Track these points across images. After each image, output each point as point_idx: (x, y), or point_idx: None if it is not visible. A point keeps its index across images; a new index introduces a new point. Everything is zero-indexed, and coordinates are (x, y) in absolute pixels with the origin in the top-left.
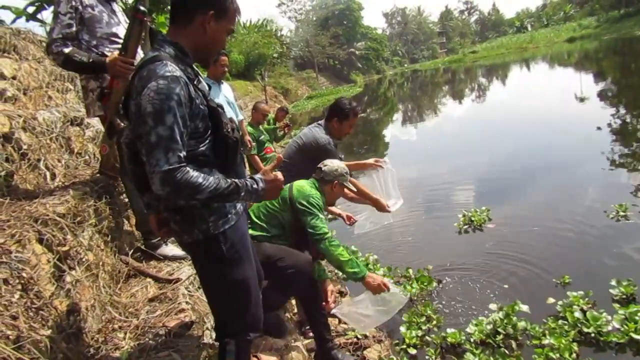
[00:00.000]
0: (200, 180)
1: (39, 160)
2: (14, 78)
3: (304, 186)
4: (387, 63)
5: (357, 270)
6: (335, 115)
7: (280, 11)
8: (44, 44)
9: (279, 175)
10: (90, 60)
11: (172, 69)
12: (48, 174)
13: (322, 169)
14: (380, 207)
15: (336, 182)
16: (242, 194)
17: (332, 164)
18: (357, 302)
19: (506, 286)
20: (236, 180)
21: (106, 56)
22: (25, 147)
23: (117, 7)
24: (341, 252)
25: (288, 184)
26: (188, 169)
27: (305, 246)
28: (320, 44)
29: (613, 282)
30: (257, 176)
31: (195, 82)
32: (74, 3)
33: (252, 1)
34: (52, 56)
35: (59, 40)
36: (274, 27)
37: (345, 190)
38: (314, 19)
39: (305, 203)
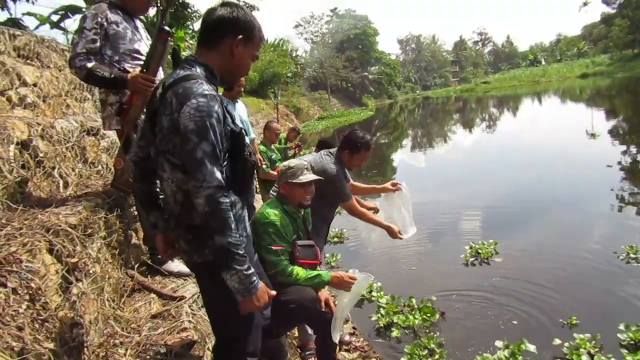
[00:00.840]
0: (232, 225)
1: (53, 168)
2: (35, 85)
3: (266, 211)
4: (399, 88)
5: (319, 281)
6: (347, 147)
7: (296, 32)
8: (66, 53)
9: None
10: (112, 75)
11: (208, 87)
12: (61, 182)
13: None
14: (392, 234)
15: (282, 182)
16: (241, 274)
17: (286, 164)
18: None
19: (515, 322)
20: (250, 264)
21: (128, 72)
22: (41, 155)
23: (140, 24)
24: (296, 275)
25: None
26: (228, 200)
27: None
28: (335, 66)
29: (622, 327)
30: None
31: (224, 103)
32: (99, 19)
33: (270, 22)
34: (75, 70)
35: (83, 55)
36: (290, 47)
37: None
38: (330, 41)
39: (262, 230)
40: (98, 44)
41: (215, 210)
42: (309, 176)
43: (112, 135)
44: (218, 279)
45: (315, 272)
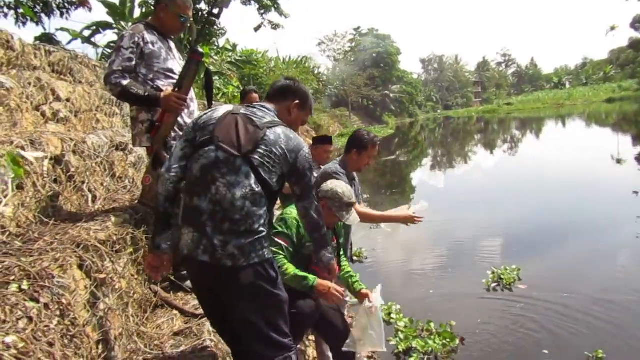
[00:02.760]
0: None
1: (83, 182)
2: (68, 100)
3: (289, 209)
4: (420, 107)
5: (305, 283)
6: (354, 146)
7: (319, 50)
8: (97, 69)
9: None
10: (146, 94)
11: None
12: (90, 196)
13: (322, 186)
14: (406, 219)
15: (323, 202)
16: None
17: (331, 183)
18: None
19: (536, 353)
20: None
21: (161, 90)
22: (73, 169)
23: (172, 44)
24: (285, 271)
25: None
26: None
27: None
28: (356, 83)
29: None
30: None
31: None
32: (136, 39)
33: (294, 38)
34: (110, 87)
35: (118, 72)
36: (312, 64)
37: (361, 211)
38: (352, 59)
39: (277, 221)
40: (134, 63)
41: (320, 218)
42: (351, 218)
43: (139, 150)
44: (266, 279)
45: (304, 274)
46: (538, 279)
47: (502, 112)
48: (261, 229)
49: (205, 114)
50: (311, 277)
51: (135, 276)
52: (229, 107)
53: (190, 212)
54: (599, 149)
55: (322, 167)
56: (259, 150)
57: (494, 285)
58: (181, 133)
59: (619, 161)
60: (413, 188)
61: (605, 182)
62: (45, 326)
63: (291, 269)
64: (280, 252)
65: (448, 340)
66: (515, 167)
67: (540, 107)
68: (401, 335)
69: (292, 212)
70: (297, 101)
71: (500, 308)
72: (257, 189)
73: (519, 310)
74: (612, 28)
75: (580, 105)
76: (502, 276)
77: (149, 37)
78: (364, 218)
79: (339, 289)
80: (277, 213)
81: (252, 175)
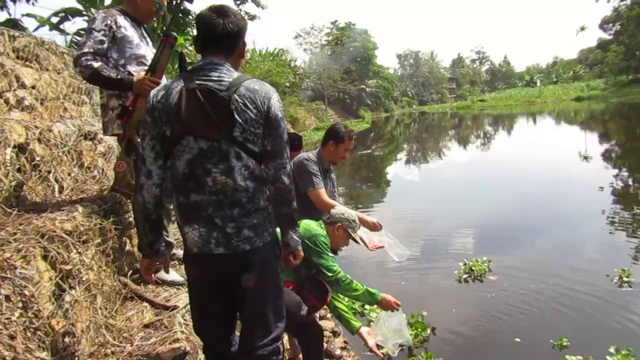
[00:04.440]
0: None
1: (49, 172)
2: (33, 87)
3: (310, 225)
4: (396, 102)
5: (372, 299)
6: (331, 138)
7: (296, 43)
8: (66, 56)
9: None
10: (118, 76)
11: None
12: (57, 186)
13: (330, 211)
14: (371, 226)
15: (339, 224)
16: (297, 232)
17: (340, 209)
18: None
19: (506, 341)
20: None
21: (132, 75)
22: (38, 158)
23: (145, 32)
24: (355, 287)
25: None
26: None
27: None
28: (332, 77)
29: (612, 350)
30: None
31: None
32: (108, 22)
33: (270, 31)
34: (80, 68)
35: (90, 55)
36: (289, 57)
37: (329, 202)
38: (329, 53)
39: (313, 242)
40: (105, 45)
41: (292, 184)
42: (359, 234)
43: (109, 140)
44: (276, 258)
45: (372, 289)
46: (508, 270)
47: (476, 109)
48: (266, 203)
49: (155, 99)
50: (377, 292)
51: (104, 268)
52: (178, 83)
53: (191, 209)
54: (567, 146)
55: (297, 158)
56: (236, 122)
57: (465, 276)
58: None
59: (585, 158)
60: (388, 182)
61: (572, 178)
62: (7, 318)
63: (359, 285)
64: (337, 266)
65: (420, 330)
66: (487, 162)
67: (512, 104)
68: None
69: (311, 225)
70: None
71: (471, 298)
72: (252, 165)
73: (490, 300)
74: (582, 28)
75: (550, 103)
76: (473, 267)
77: (122, 21)
78: (328, 208)
79: (397, 302)
80: None
81: (242, 154)
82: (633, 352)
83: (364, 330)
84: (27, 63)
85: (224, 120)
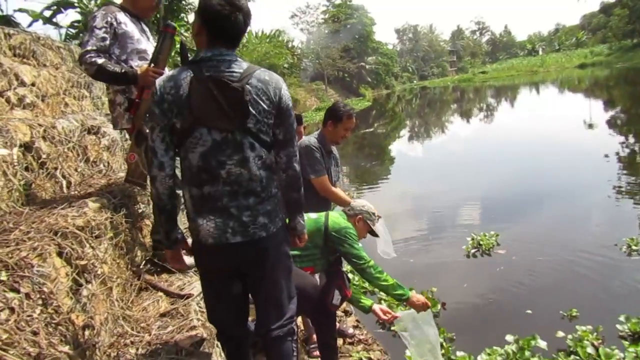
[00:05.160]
0: None
1: (56, 168)
2: (33, 85)
3: (338, 219)
4: (396, 79)
5: (401, 292)
6: (330, 118)
7: (292, 22)
8: (62, 51)
9: None
10: (123, 70)
11: None
12: (64, 182)
13: (352, 203)
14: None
15: (360, 216)
16: (303, 217)
17: (361, 201)
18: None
19: (516, 314)
20: None
21: (134, 68)
22: (44, 156)
23: (145, 26)
24: (385, 278)
25: (323, 213)
26: None
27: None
28: (331, 56)
29: (622, 318)
30: None
31: None
32: (109, 19)
33: (266, 12)
34: (85, 66)
35: (93, 52)
36: (286, 38)
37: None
38: (326, 31)
39: (343, 234)
40: (108, 42)
41: (301, 171)
42: (378, 226)
43: (112, 133)
44: (286, 242)
45: (401, 285)
46: (516, 243)
47: (478, 81)
48: (276, 190)
49: (163, 89)
50: (407, 290)
51: (118, 260)
52: (186, 74)
53: (204, 201)
54: (571, 115)
55: (300, 142)
56: (250, 114)
57: (473, 251)
58: None
59: (590, 126)
60: (392, 159)
61: (577, 147)
62: (28, 316)
63: (389, 278)
64: (367, 256)
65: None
66: (490, 135)
67: (514, 74)
68: (384, 304)
69: (338, 218)
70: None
71: (480, 273)
72: (264, 155)
73: (499, 274)
74: None
75: (553, 72)
76: (481, 242)
77: (121, 17)
78: (330, 195)
79: (428, 302)
80: None
81: (256, 144)
82: None
83: (376, 307)
84: (25, 60)
85: (238, 112)
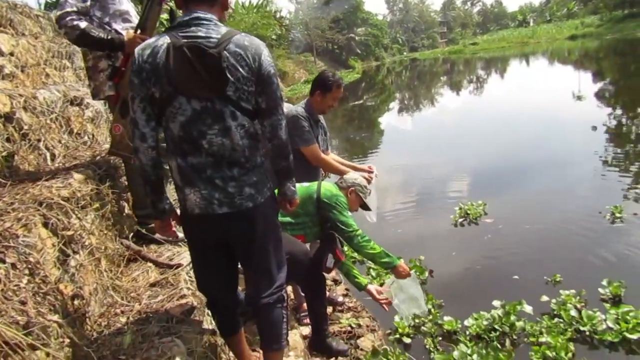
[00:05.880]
0: None
1: (39, 140)
2: (11, 54)
3: (331, 187)
4: (386, 50)
5: (388, 260)
6: (318, 88)
7: None
8: (41, 19)
9: None
10: (109, 37)
11: None
12: (48, 154)
13: (344, 176)
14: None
15: (352, 189)
16: (293, 182)
17: (353, 174)
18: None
19: (501, 280)
20: None
21: (120, 33)
22: (26, 127)
23: None
24: (372, 246)
25: (315, 182)
26: None
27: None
28: (320, 27)
29: (604, 282)
30: None
31: None
32: None
33: None
34: (66, 29)
35: (73, 14)
36: (273, 8)
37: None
38: (315, 1)
39: (334, 201)
40: (88, 3)
41: (288, 139)
42: (369, 200)
43: (96, 104)
44: (274, 212)
45: (389, 253)
46: (503, 212)
47: (468, 53)
48: (262, 159)
49: (141, 58)
50: (394, 258)
51: (105, 232)
52: (163, 41)
53: (188, 172)
54: (561, 87)
55: (288, 110)
56: (229, 81)
57: (461, 220)
58: None
59: (579, 98)
60: (381, 132)
61: (566, 119)
62: (15, 285)
63: (377, 246)
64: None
65: (417, 273)
66: (479, 107)
67: (505, 45)
68: (373, 273)
69: (330, 187)
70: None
71: (468, 241)
72: (247, 124)
73: (486, 242)
74: None
75: (544, 43)
76: (469, 211)
77: None
78: (322, 164)
79: (412, 272)
80: None
81: (237, 113)
82: (624, 284)
83: (371, 287)
84: (2, 29)
85: (215, 79)
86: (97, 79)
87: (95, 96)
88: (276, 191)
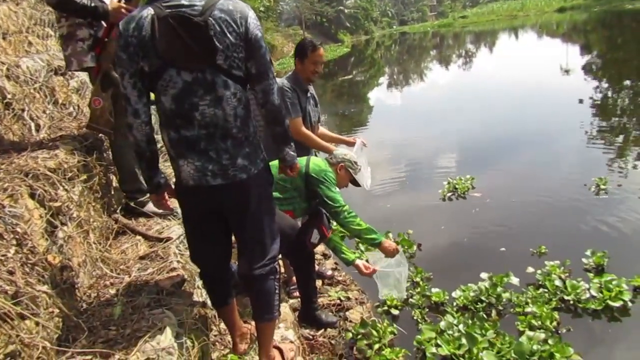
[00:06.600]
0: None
1: (23, 110)
2: None
3: (320, 162)
4: (375, 24)
5: (374, 237)
6: (297, 56)
7: None
8: None
9: None
10: (93, 4)
11: None
12: (33, 125)
13: (333, 152)
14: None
15: (342, 164)
16: (292, 147)
17: (343, 150)
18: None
19: (488, 252)
20: None
21: (103, 2)
22: (9, 96)
23: None
24: (359, 222)
25: (305, 157)
26: None
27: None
28: None
29: (588, 252)
30: None
31: None
32: None
33: None
34: None
35: None
36: None
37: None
38: None
39: (322, 176)
40: None
41: (281, 104)
42: (360, 177)
43: (81, 74)
44: (268, 182)
45: (374, 229)
46: (491, 186)
47: (458, 26)
48: (254, 129)
49: (127, 32)
50: (379, 235)
51: (93, 204)
52: (147, 12)
53: (182, 144)
54: (548, 60)
55: None
56: (218, 49)
57: (449, 194)
58: None
59: (567, 72)
60: (370, 107)
61: (553, 93)
62: (2, 255)
63: (363, 223)
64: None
65: (406, 247)
66: (468, 82)
67: (494, 19)
68: (362, 247)
69: (318, 161)
70: None
71: (456, 215)
72: (239, 93)
73: (474, 215)
74: None
75: (533, 16)
76: (457, 186)
77: None
78: (304, 137)
79: (398, 248)
80: None
81: (229, 81)
82: (608, 254)
83: (359, 262)
84: None
85: (204, 48)
86: (73, 48)
87: (68, 66)
88: (272, 163)
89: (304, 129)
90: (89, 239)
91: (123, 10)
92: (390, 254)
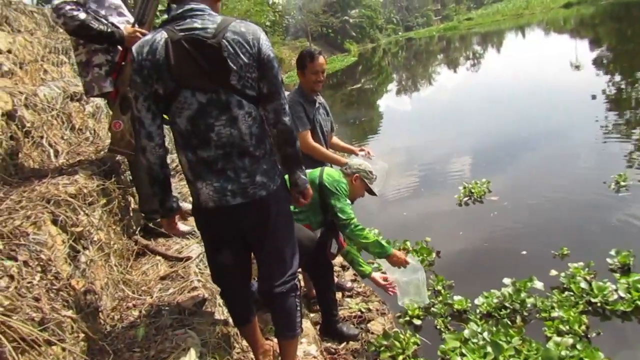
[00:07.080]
0: None
1: (41, 137)
2: (9, 52)
3: (334, 173)
4: (381, 31)
5: (380, 250)
6: (298, 68)
7: None
8: (36, 15)
9: None
10: (110, 30)
11: None
12: (52, 151)
13: (348, 162)
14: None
15: (357, 175)
16: (304, 171)
17: (357, 160)
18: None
19: (524, 252)
20: None
21: (117, 27)
22: (28, 125)
23: None
24: (365, 235)
25: (319, 168)
26: None
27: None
28: (314, 11)
29: (612, 252)
30: None
31: None
32: None
33: None
34: (64, 19)
35: (72, 4)
36: None
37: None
38: None
39: (334, 187)
40: None
41: (293, 124)
42: (375, 185)
43: (96, 99)
44: (286, 198)
45: (383, 242)
46: (508, 189)
47: (463, 28)
48: (270, 146)
49: (141, 56)
50: (388, 246)
51: (113, 227)
52: (160, 36)
53: (199, 166)
54: (558, 57)
55: None
56: (232, 70)
57: (465, 199)
58: None
59: (577, 67)
60: (381, 115)
61: (565, 89)
62: (28, 282)
63: (371, 235)
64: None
65: (425, 255)
66: (478, 84)
67: (500, 19)
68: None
69: (332, 172)
70: None
71: (473, 219)
72: (253, 112)
73: (492, 219)
74: None
75: (539, 13)
76: (473, 190)
77: None
78: (312, 150)
79: (408, 260)
80: None
81: (243, 101)
82: (633, 253)
83: (376, 274)
84: None
85: (218, 70)
86: (91, 74)
87: (88, 92)
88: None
89: (312, 141)
90: (110, 262)
91: (138, 34)
92: (399, 265)
